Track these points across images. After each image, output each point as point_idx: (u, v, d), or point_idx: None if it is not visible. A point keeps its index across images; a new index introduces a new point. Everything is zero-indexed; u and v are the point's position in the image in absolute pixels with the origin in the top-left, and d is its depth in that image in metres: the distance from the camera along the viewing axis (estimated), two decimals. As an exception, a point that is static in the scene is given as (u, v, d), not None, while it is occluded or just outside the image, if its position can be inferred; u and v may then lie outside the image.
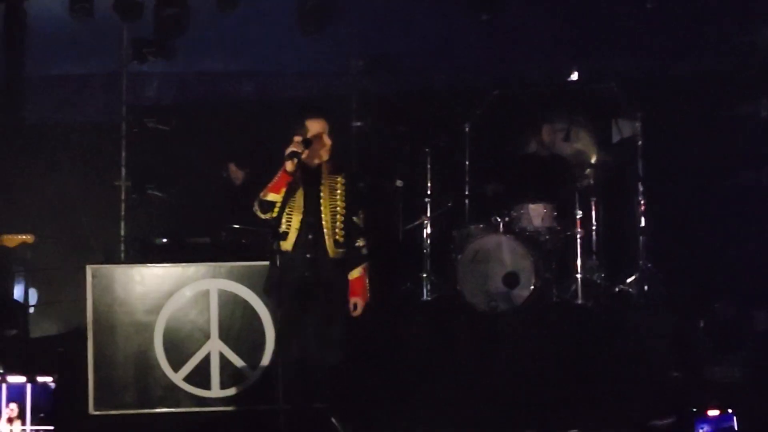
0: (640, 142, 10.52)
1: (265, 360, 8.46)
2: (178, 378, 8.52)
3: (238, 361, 8.51)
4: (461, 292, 9.98)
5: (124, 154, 11.53)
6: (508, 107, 11.07)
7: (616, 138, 11.03)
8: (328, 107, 7.75)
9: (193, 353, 8.53)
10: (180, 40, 11.49)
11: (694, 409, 6.38)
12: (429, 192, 10.67)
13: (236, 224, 9.79)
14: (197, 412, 8.46)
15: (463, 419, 7.87)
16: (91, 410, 8.42)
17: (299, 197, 7.20)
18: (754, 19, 10.86)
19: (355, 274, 7.31)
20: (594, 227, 10.45)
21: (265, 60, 11.71)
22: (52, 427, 6.50)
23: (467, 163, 10.97)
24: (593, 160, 10.79)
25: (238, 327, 8.55)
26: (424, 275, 10.47)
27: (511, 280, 9.85)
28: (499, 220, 10.17)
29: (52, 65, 11.70)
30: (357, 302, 7.29)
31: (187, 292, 8.58)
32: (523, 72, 11.55)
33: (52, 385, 6.54)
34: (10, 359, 8.54)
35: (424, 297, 10.42)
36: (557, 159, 10.76)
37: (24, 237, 8.55)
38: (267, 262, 7.35)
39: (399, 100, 11.59)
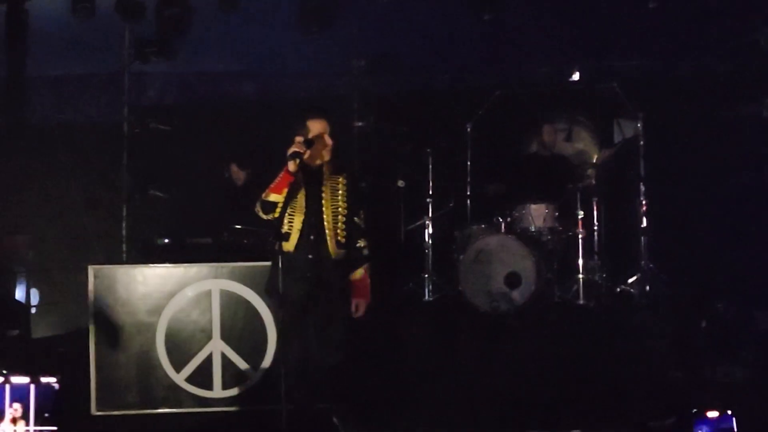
0: (641, 143, 10.52)
1: (267, 360, 8.46)
2: (180, 378, 8.51)
3: (240, 362, 8.51)
4: (463, 293, 9.98)
5: (125, 154, 11.52)
6: (510, 107, 11.09)
7: (617, 138, 11.04)
8: (330, 107, 7.73)
9: (195, 354, 8.52)
10: (181, 40, 11.50)
11: (694, 410, 6.38)
12: (431, 192, 10.68)
13: (238, 224, 9.79)
14: (199, 412, 8.46)
15: (463, 419, 7.88)
16: (93, 411, 8.42)
17: (301, 198, 7.20)
18: (755, 19, 10.85)
19: (357, 275, 7.31)
20: (595, 227, 10.46)
21: (266, 60, 11.71)
22: (55, 428, 6.52)
23: (469, 163, 10.99)
24: (594, 160, 10.80)
25: (240, 327, 8.55)
26: (426, 275, 10.48)
27: (513, 280, 9.86)
28: (500, 220, 10.17)
29: (54, 65, 11.70)
30: (359, 303, 7.29)
31: (189, 293, 8.58)
32: (525, 72, 11.58)
33: (56, 385, 6.56)
34: (12, 359, 8.54)
35: (426, 297, 10.43)
36: (559, 159, 10.77)
37: (25, 237, 8.55)
38: (269, 263, 7.35)
39: (400, 101, 11.59)
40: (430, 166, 10.67)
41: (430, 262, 10.54)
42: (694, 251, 10.23)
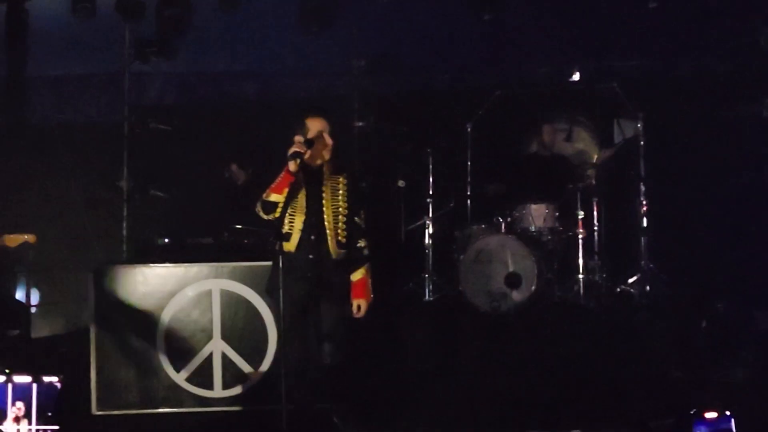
0: (641, 142, 10.52)
1: (268, 360, 8.47)
2: (180, 378, 8.52)
3: (240, 362, 8.52)
4: (463, 293, 9.98)
5: (126, 154, 11.52)
6: (510, 107, 11.08)
7: (617, 138, 11.04)
8: (330, 107, 7.73)
9: (196, 353, 8.54)
10: (182, 40, 11.49)
11: (692, 411, 6.39)
12: (431, 192, 10.68)
13: (238, 224, 9.80)
14: (200, 412, 8.47)
15: (463, 419, 7.88)
16: (94, 410, 8.43)
17: (302, 198, 7.20)
18: (755, 19, 10.86)
19: (358, 275, 7.31)
20: (596, 227, 10.46)
21: (266, 60, 11.71)
22: (57, 427, 6.53)
23: (469, 163, 10.99)
24: (594, 160, 10.81)
25: (241, 327, 8.56)
26: (426, 275, 10.48)
27: (513, 280, 9.86)
28: (501, 220, 10.18)
29: (54, 65, 11.69)
30: (360, 304, 7.30)
31: (190, 293, 8.59)
32: (525, 72, 11.58)
33: (58, 384, 6.57)
34: (13, 359, 8.54)
35: (426, 297, 10.43)
36: (559, 159, 10.77)
37: (26, 237, 8.55)
38: (269, 263, 7.36)
39: (400, 100, 11.59)
40: (430, 166, 10.66)
41: (430, 262, 10.54)
42: (694, 251, 10.23)
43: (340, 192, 7.29)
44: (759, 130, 10.63)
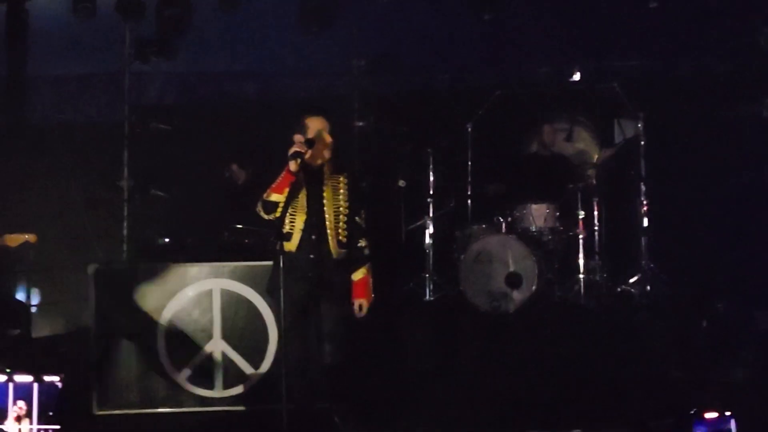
0: (642, 142, 10.52)
1: (268, 360, 8.47)
2: (181, 378, 8.52)
3: (240, 361, 8.52)
4: (464, 293, 9.98)
5: (126, 154, 11.52)
6: (510, 107, 11.09)
7: (618, 138, 11.04)
8: (330, 107, 7.73)
9: (196, 353, 8.54)
10: (182, 40, 11.49)
11: (692, 412, 6.39)
12: (431, 192, 10.68)
13: (238, 224, 9.80)
14: (200, 411, 8.47)
15: (464, 419, 7.88)
16: (95, 410, 8.43)
17: (302, 198, 7.20)
18: (755, 19, 10.86)
19: (359, 275, 7.31)
20: (596, 227, 10.46)
21: (266, 60, 11.72)
22: (58, 426, 6.53)
23: (469, 163, 10.99)
24: (595, 160, 10.81)
25: (241, 327, 8.56)
26: (427, 275, 10.47)
27: (514, 280, 9.86)
28: (501, 220, 10.18)
29: (54, 65, 11.69)
30: (362, 303, 7.30)
31: (190, 292, 8.59)
32: (525, 72, 11.59)
33: (59, 384, 6.57)
34: (13, 359, 8.54)
35: (427, 297, 10.43)
36: (559, 159, 10.78)
37: (26, 237, 8.55)
38: (269, 262, 7.36)
39: (401, 100, 11.60)
40: (431, 166, 10.66)
41: (430, 261, 10.54)
42: (694, 251, 10.23)
43: (341, 191, 7.29)
44: (759, 130, 10.63)
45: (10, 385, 6.59)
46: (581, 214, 10.24)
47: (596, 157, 10.90)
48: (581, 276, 10.12)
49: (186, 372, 8.52)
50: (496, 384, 8.48)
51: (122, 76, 11.60)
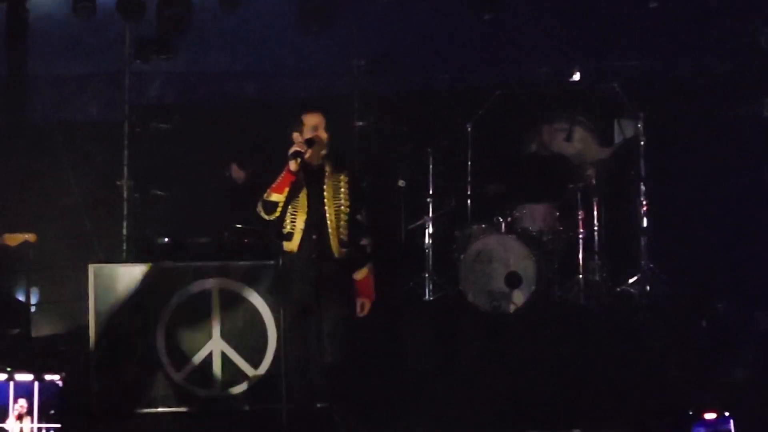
0: (642, 142, 10.51)
1: (268, 360, 8.47)
2: (180, 377, 8.53)
3: (240, 361, 8.52)
4: (463, 292, 9.98)
5: (126, 153, 11.52)
6: (510, 107, 11.07)
7: (618, 138, 11.04)
8: (329, 107, 7.73)
9: (196, 353, 8.54)
10: (182, 39, 11.49)
11: (691, 412, 6.39)
12: (431, 192, 10.68)
13: (238, 224, 9.79)
14: (199, 411, 8.47)
15: (464, 419, 7.88)
16: (94, 410, 8.42)
17: (303, 197, 7.20)
18: (755, 19, 10.86)
19: (362, 274, 7.31)
20: (596, 227, 10.45)
21: (266, 60, 11.71)
22: (59, 425, 6.54)
23: (469, 163, 10.98)
24: (595, 160, 10.80)
25: (240, 327, 8.57)
26: (427, 275, 10.47)
27: (514, 280, 9.85)
28: (501, 220, 10.18)
29: (54, 64, 11.68)
30: (364, 302, 7.29)
31: (189, 292, 8.59)
32: (525, 72, 11.57)
33: (59, 383, 6.58)
34: (13, 358, 8.54)
35: (427, 297, 10.42)
36: (559, 159, 10.77)
37: (26, 236, 8.55)
38: (269, 262, 7.36)
39: (401, 100, 11.60)
40: (431, 166, 10.66)
41: (430, 261, 10.54)
42: (694, 251, 10.22)
43: (342, 190, 7.28)
44: (759, 130, 10.63)
45: (11, 384, 6.60)
46: (581, 214, 10.23)
47: (596, 157, 10.88)
48: (581, 276, 10.12)
49: (186, 372, 8.51)
50: (496, 384, 8.48)
51: (122, 76, 11.60)
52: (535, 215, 10.23)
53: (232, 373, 8.52)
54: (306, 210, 7.19)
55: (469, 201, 10.93)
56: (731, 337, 9.02)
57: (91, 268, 8.62)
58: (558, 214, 10.26)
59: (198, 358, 8.54)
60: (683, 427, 6.42)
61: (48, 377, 6.60)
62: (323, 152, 7.25)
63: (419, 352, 9.11)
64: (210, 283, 8.60)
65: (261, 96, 11.95)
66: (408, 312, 9.85)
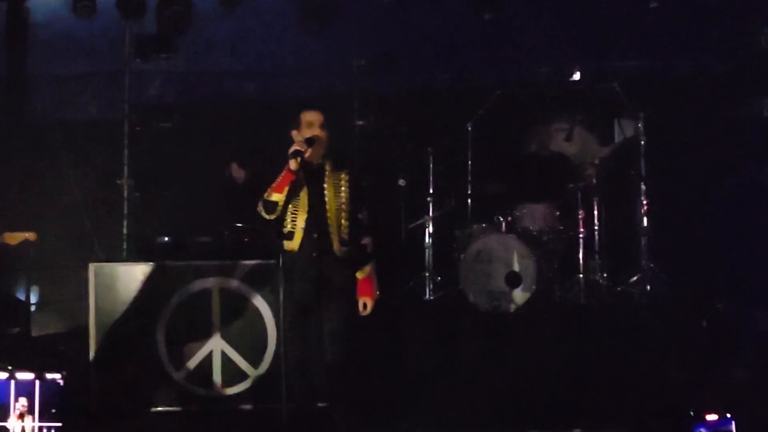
0: (642, 142, 10.51)
1: (268, 359, 8.47)
2: (180, 377, 8.52)
3: (240, 360, 8.52)
4: (464, 292, 9.98)
5: (126, 152, 11.53)
6: (510, 107, 11.09)
7: (618, 138, 11.05)
8: (330, 107, 7.72)
9: (196, 352, 8.53)
10: (182, 39, 11.50)
11: (692, 413, 6.39)
12: (431, 191, 10.68)
13: (238, 223, 9.80)
14: (199, 410, 8.47)
15: (464, 419, 7.88)
16: (94, 409, 8.42)
17: (303, 196, 7.18)
18: (755, 19, 10.86)
19: (364, 273, 7.29)
20: (596, 227, 10.45)
21: (266, 59, 11.72)
22: (60, 424, 6.55)
23: (469, 162, 10.99)
24: (595, 160, 10.80)
25: (241, 326, 8.56)
26: (427, 275, 10.48)
27: (514, 279, 9.85)
28: (501, 219, 10.18)
29: (54, 64, 11.69)
30: (366, 302, 7.28)
31: (189, 291, 8.59)
32: (525, 72, 11.59)
33: (60, 381, 6.58)
34: (13, 357, 8.54)
35: (427, 296, 10.43)
36: (559, 159, 10.78)
37: (26, 235, 8.55)
38: (269, 261, 7.35)
39: (401, 100, 11.61)
40: (431, 166, 10.67)
41: (430, 261, 10.55)
42: (694, 251, 10.22)
43: (343, 189, 7.27)
44: (759, 130, 10.64)
45: (12, 383, 6.60)
46: (581, 214, 10.23)
47: (596, 157, 10.88)
48: (581, 276, 10.12)
49: (185, 371, 8.51)
50: (496, 384, 8.48)
51: (122, 75, 11.61)
52: (535, 215, 10.23)
53: (232, 373, 8.52)
54: (306, 209, 7.18)
55: (469, 201, 10.94)
56: (731, 337, 9.02)
57: (92, 267, 8.62)
58: (558, 213, 10.26)
59: (198, 357, 8.53)
60: (684, 427, 6.41)
61: (49, 376, 6.61)
62: (322, 149, 7.24)
63: (419, 352, 9.09)
64: (210, 283, 8.59)
65: (261, 96, 11.95)
66: (408, 312, 9.85)
